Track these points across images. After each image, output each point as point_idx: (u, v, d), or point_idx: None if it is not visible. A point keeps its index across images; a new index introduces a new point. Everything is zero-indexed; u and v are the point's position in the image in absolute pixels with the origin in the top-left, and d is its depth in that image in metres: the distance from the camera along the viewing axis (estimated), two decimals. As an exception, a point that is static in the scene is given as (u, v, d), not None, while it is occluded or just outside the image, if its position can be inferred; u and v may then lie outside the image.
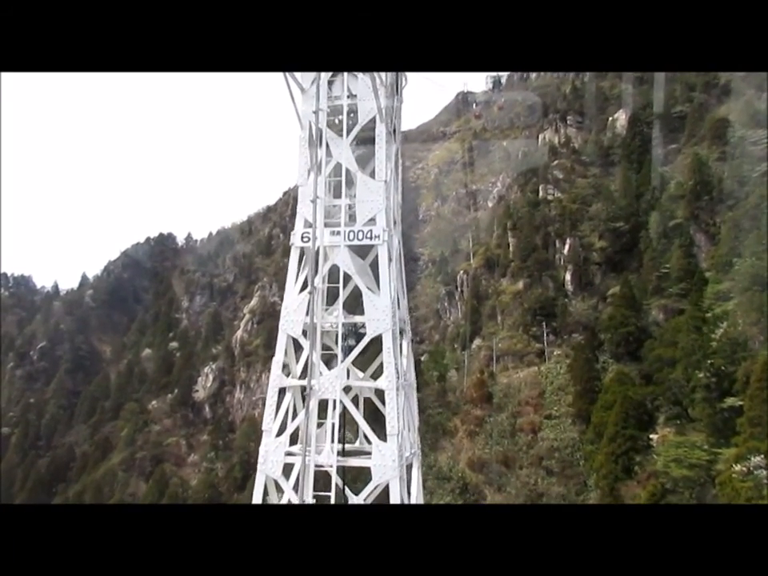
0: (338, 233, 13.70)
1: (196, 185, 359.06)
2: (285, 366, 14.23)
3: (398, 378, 13.41)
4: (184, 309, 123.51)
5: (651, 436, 47.62)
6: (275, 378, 14.02)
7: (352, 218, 14.02)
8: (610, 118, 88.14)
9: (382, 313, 13.38)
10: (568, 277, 73.00)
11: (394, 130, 14.81)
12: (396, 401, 12.95)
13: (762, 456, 32.97)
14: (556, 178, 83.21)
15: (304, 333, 13.49)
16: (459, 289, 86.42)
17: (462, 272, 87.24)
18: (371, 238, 13.59)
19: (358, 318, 13.84)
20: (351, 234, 13.67)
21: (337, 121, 14.24)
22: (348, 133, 13.99)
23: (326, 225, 13.78)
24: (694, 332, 45.96)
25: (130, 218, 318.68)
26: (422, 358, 75.41)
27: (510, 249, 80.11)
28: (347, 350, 13.56)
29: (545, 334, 68.61)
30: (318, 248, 13.44)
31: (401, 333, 14.61)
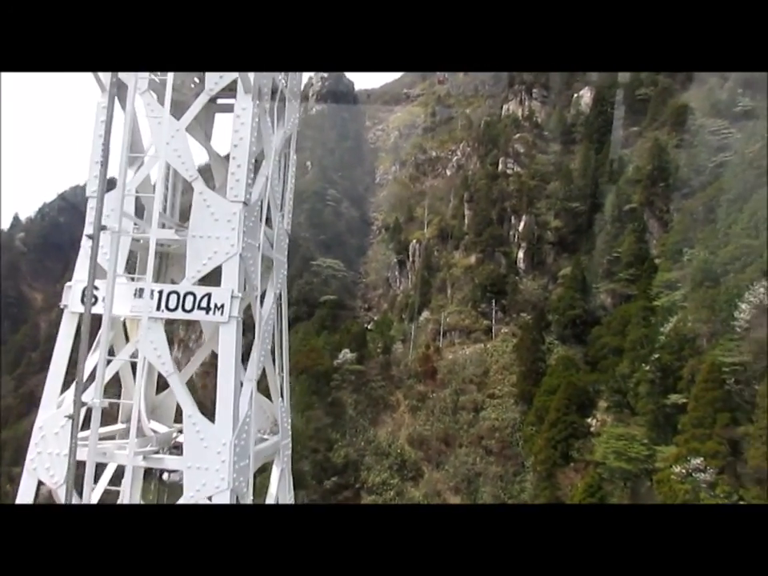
0: (143, 294, 7.58)
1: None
2: None
3: None
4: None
5: (590, 421, 47.75)
6: None
7: (178, 267, 8.29)
8: (575, 95, 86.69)
9: (214, 457, 7.27)
10: (521, 254, 72.28)
11: (284, 107, 9.14)
12: None
13: (702, 459, 32.93)
14: (517, 151, 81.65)
15: None
16: (411, 258, 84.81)
17: (414, 241, 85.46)
18: (207, 310, 7.54)
19: (170, 462, 7.80)
20: (172, 299, 7.59)
21: (194, 84, 8.56)
22: (182, 108, 8.33)
23: (130, 278, 8.01)
24: (643, 324, 45.73)
25: (69, 158, 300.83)
26: (369, 326, 74.27)
27: (465, 221, 78.63)
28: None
29: (494, 312, 67.96)
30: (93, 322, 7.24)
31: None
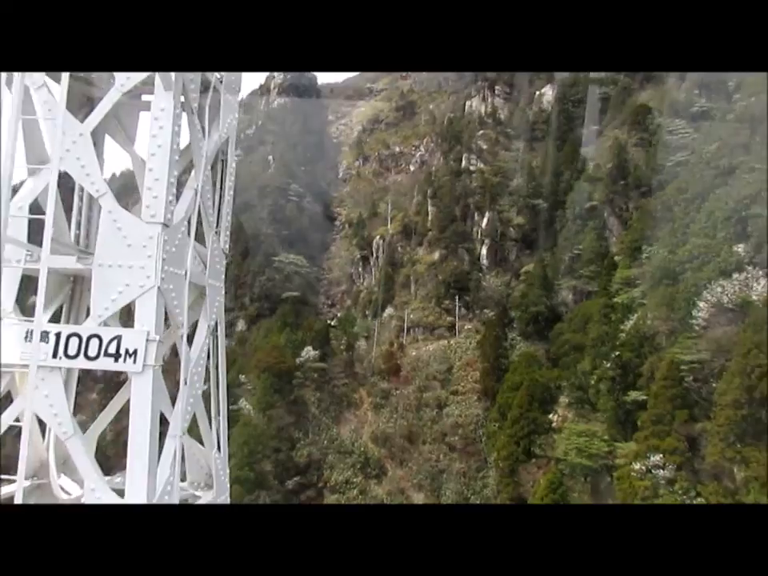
0: (31, 338, 6.02)
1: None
2: None
3: None
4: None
5: (552, 417, 48.14)
6: None
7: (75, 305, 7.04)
8: (538, 92, 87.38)
9: None
10: (484, 251, 72.61)
11: (219, 105, 7.70)
12: None
13: (661, 455, 33.41)
14: (480, 148, 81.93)
15: None
16: (374, 254, 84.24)
17: (378, 237, 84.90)
18: (117, 357, 6.02)
19: None
20: (72, 343, 6.05)
21: (113, 79, 6.93)
22: (82, 107, 7.06)
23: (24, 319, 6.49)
24: (603, 322, 46.25)
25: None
26: (332, 323, 73.45)
27: (429, 217, 78.52)
28: None
29: (457, 308, 68.08)
30: None
31: None
